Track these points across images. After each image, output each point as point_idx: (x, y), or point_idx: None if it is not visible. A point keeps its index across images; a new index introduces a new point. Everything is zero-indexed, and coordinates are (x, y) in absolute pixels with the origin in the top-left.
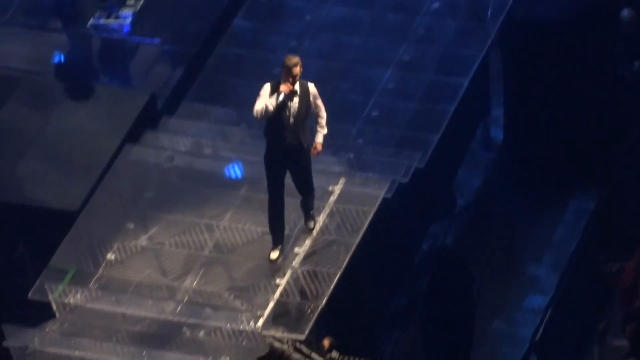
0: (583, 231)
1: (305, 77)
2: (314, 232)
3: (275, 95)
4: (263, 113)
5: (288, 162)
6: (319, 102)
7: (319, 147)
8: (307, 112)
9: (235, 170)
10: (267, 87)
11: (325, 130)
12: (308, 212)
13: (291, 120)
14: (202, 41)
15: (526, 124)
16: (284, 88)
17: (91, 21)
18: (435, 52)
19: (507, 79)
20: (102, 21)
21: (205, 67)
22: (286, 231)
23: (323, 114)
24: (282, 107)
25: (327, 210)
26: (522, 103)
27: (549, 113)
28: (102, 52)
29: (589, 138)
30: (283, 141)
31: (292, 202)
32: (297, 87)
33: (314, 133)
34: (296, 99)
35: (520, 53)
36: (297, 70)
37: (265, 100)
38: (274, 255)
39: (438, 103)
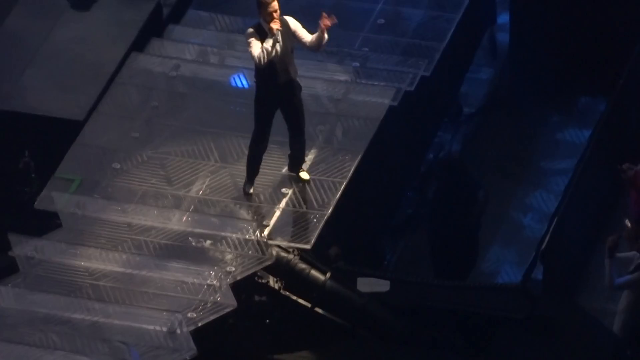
0: (590, 137)
1: None
2: (320, 140)
3: (268, 38)
4: (266, 57)
5: (281, 100)
6: (302, 31)
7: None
8: (292, 46)
9: (241, 79)
10: (251, 32)
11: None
12: (301, 162)
13: (279, 57)
14: None
15: (532, 30)
16: (275, 27)
17: None
18: None
19: None
20: None
21: None
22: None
23: (312, 35)
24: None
25: (333, 119)
26: (529, 9)
27: (555, 19)
28: None
29: (596, 43)
30: (275, 80)
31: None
32: None
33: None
34: (280, 36)
35: None
36: (276, 4)
37: (259, 45)
38: (252, 189)
39: (444, 11)
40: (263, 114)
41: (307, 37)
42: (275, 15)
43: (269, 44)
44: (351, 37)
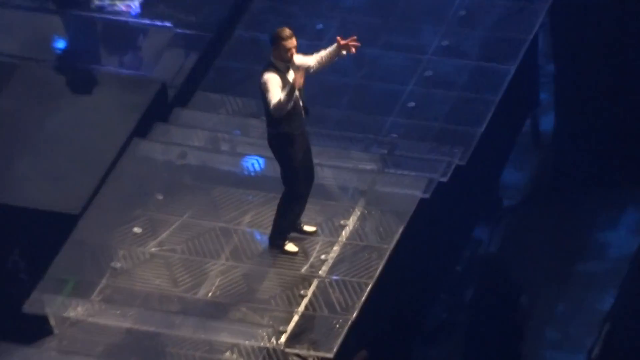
0: None
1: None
2: (342, 237)
3: (288, 86)
4: (286, 104)
5: (307, 144)
6: (306, 60)
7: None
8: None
9: (255, 168)
10: (273, 77)
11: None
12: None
13: (298, 95)
14: (218, 24)
15: (580, 115)
16: (299, 83)
17: (96, 2)
18: (478, 35)
19: (558, 65)
20: (108, 2)
21: (222, 53)
22: (313, 235)
23: (314, 56)
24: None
25: (357, 212)
26: (576, 92)
27: (605, 102)
28: (107, 37)
29: None
30: (301, 118)
31: (316, 203)
32: None
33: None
34: (294, 72)
35: (573, 36)
36: (295, 40)
37: (279, 93)
38: (295, 248)
39: (481, 92)
40: (302, 162)
41: (311, 61)
42: (294, 51)
43: (289, 95)
44: (378, 122)
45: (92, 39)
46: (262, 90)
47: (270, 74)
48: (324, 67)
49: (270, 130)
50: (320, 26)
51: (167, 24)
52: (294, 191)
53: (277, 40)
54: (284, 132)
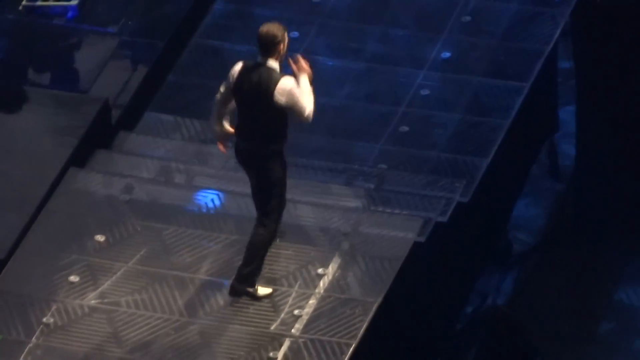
0: None
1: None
2: (320, 289)
3: None
4: None
5: None
6: None
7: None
8: None
9: (215, 205)
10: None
11: None
12: None
13: None
14: (172, 31)
15: (607, 143)
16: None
17: (24, 2)
18: (484, 46)
19: (582, 83)
20: (39, 2)
21: (177, 66)
22: (284, 286)
23: None
24: None
25: (338, 259)
26: (604, 115)
27: (638, 129)
28: (38, 44)
29: None
30: None
31: (289, 248)
32: None
33: None
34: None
35: (600, 48)
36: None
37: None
38: (269, 289)
39: (488, 115)
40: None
41: None
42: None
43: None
44: (363, 150)
45: (18, 48)
46: (290, 102)
47: (291, 79)
48: None
49: (272, 146)
50: (295, 34)
51: (110, 29)
52: (275, 223)
53: (283, 36)
54: (282, 148)
